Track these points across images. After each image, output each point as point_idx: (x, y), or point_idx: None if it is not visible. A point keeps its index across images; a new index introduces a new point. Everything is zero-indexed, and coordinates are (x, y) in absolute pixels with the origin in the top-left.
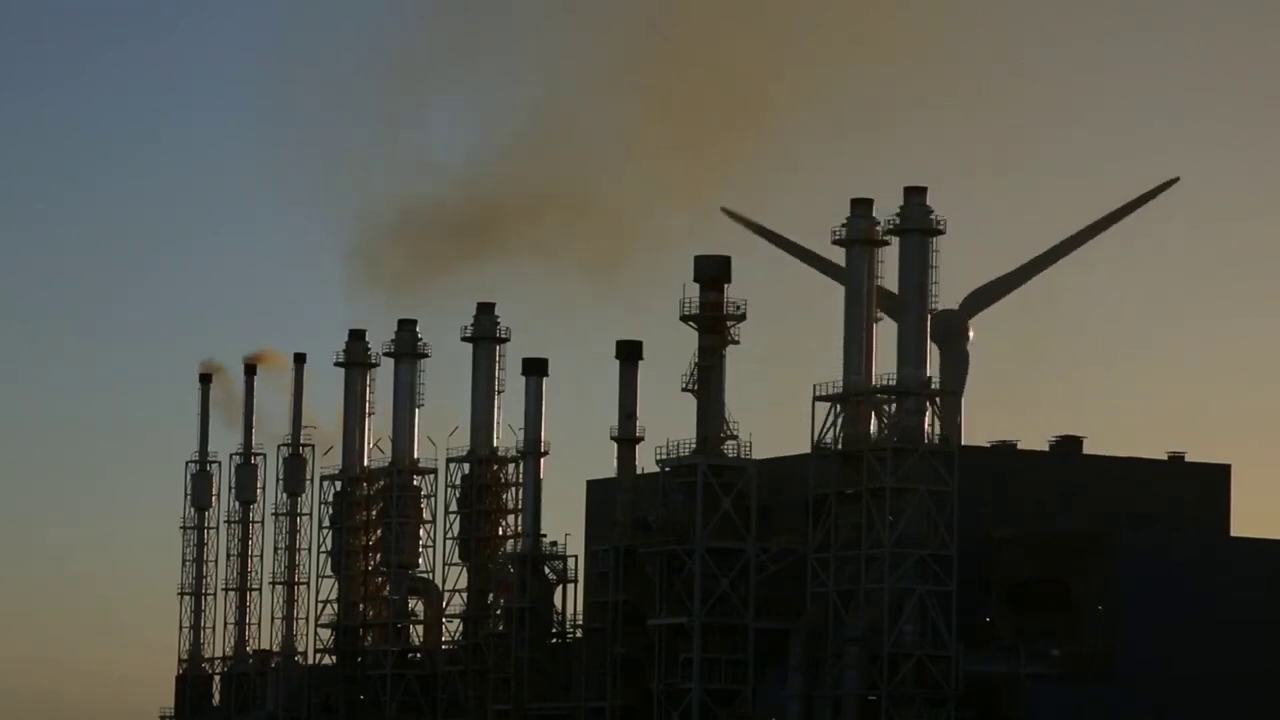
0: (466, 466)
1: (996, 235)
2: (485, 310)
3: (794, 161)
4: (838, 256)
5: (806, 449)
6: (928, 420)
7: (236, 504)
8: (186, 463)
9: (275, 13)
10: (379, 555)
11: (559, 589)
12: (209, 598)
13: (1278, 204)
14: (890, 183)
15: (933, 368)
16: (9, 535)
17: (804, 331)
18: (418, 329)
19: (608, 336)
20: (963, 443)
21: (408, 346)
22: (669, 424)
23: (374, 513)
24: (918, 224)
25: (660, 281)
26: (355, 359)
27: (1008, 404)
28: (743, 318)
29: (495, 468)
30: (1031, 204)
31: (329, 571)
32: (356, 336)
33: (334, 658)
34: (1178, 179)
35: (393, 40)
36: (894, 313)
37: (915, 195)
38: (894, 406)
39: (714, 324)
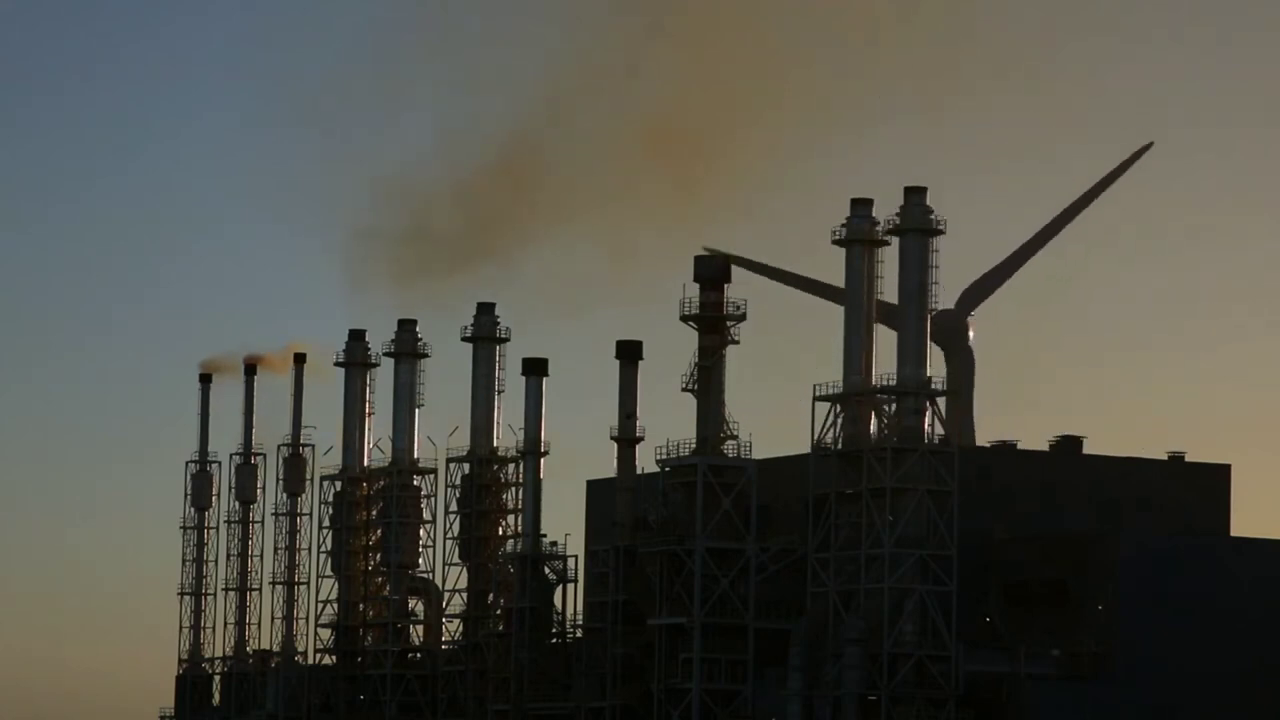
0: (466, 466)
1: (996, 235)
2: (485, 310)
3: (794, 161)
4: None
5: (806, 449)
6: (928, 420)
7: (236, 504)
8: (186, 463)
9: (277, 11)
10: (379, 555)
11: (559, 589)
12: (209, 598)
13: (1278, 202)
14: (890, 183)
15: (936, 368)
16: (9, 535)
17: (804, 331)
18: (418, 329)
19: (608, 336)
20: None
21: (408, 346)
22: (669, 424)
23: (374, 513)
24: (918, 224)
25: (660, 281)
26: (355, 359)
27: (1008, 404)
28: (743, 318)
29: (495, 468)
30: (1031, 204)
31: (329, 571)
32: (356, 336)
33: (334, 658)
34: (1151, 144)
35: (392, 39)
36: (892, 322)
37: (915, 195)
38: (894, 406)
39: (714, 324)
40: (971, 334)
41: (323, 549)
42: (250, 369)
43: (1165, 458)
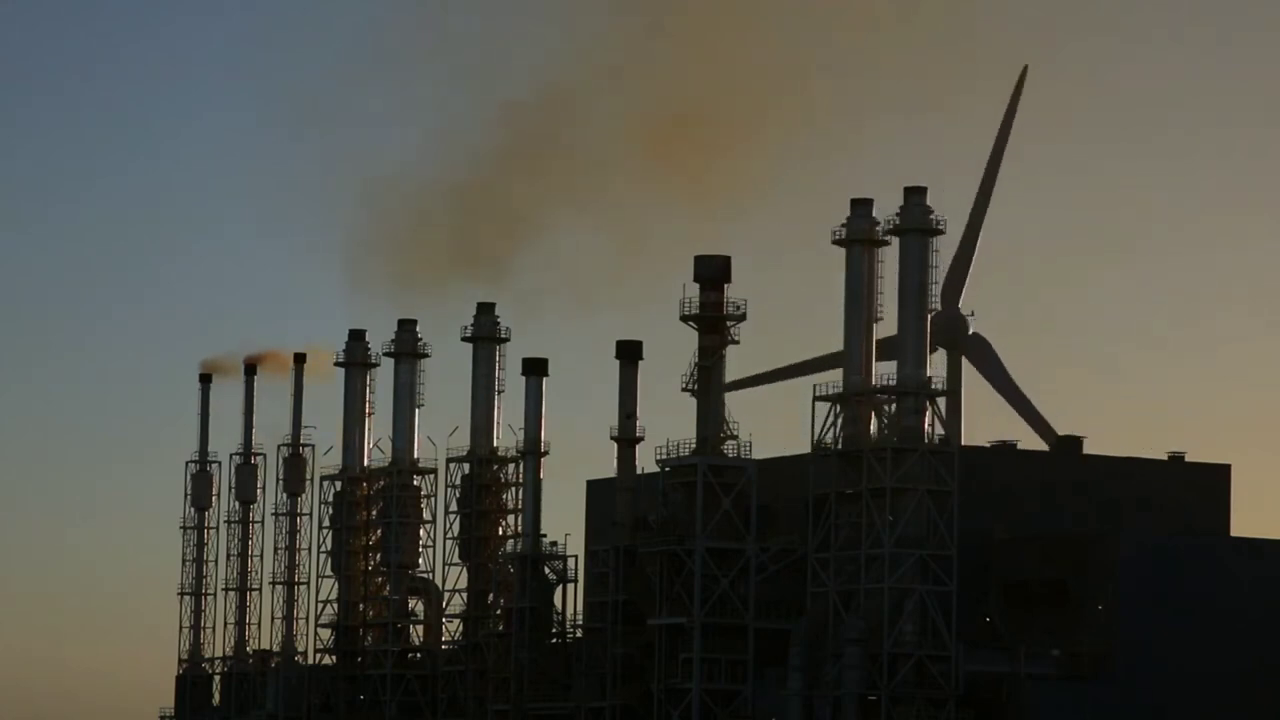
0: (466, 466)
1: (997, 235)
2: (485, 310)
3: (795, 161)
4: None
5: (806, 449)
6: (928, 420)
7: (236, 504)
8: (186, 463)
9: (277, 11)
10: (379, 555)
11: (559, 589)
12: (209, 598)
13: (1278, 202)
14: (890, 183)
15: (935, 368)
16: (9, 535)
17: (804, 331)
18: (418, 329)
19: (608, 336)
20: (962, 443)
21: (408, 346)
22: (669, 424)
23: (374, 513)
24: (918, 224)
25: (660, 281)
26: (355, 359)
27: (1008, 404)
28: (743, 318)
29: (495, 468)
30: (1031, 204)
31: (329, 571)
32: (356, 336)
33: (334, 658)
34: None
35: (392, 39)
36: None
37: (915, 195)
38: (894, 406)
39: (714, 324)
40: (971, 332)
41: (323, 549)
42: (250, 369)
43: (1165, 458)
